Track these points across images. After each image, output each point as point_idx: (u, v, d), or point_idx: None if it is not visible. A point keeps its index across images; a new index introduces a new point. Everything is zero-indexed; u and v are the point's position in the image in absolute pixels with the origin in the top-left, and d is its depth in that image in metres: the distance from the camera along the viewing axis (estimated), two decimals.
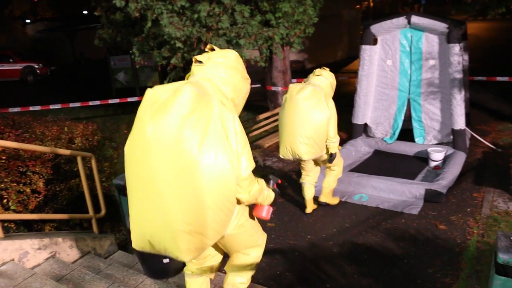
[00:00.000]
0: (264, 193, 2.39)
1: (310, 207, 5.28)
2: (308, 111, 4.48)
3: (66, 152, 4.23)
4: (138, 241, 2.12)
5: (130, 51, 8.76)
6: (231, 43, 7.04)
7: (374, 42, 7.32)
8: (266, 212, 2.52)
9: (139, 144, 2.00)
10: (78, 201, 4.87)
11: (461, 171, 6.17)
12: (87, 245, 4.07)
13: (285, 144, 4.67)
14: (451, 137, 6.89)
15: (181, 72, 8.01)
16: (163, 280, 3.32)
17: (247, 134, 7.53)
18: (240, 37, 6.99)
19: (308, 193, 5.18)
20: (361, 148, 7.37)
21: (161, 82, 11.53)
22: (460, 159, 6.43)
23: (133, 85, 12.44)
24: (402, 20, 6.89)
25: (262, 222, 2.79)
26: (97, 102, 9.73)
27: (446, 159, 6.47)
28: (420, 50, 6.98)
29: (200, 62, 2.24)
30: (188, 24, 6.92)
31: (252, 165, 2.17)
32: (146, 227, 2.05)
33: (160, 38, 7.58)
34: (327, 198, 5.34)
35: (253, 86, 11.16)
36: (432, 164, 6.47)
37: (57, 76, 20.80)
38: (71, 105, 9.52)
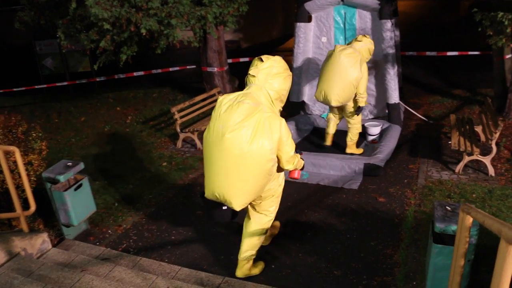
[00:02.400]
0: (300, 162, 3.46)
1: (329, 141, 6.38)
2: (345, 67, 5.31)
3: None
4: (208, 194, 3.22)
5: (57, 35, 8.20)
6: (163, 24, 6.75)
7: (309, 19, 7.30)
8: (297, 174, 3.55)
9: (213, 136, 3.06)
10: (4, 199, 4.53)
11: (397, 144, 6.35)
12: (16, 245, 3.79)
13: (321, 89, 5.54)
14: (386, 111, 7.06)
15: (111, 56, 7.60)
16: (222, 222, 4.16)
17: (183, 117, 7.28)
18: (172, 17, 6.71)
19: (331, 129, 6.28)
20: (299, 125, 7.39)
21: (92, 67, 10.95)
22: (395, 132, 6.61)
23: (62, 71, 11.74)
24: None
25: None
26: (23, 89, 9.06)
27: (382, 133, 6.63)
28: (354, 26, 7.05)
29: (253, 75, 3.17)
30: (116, 4, 6.54)
31: (294, 147, 3.23)
32: (215, 187, 3.14)
33: (87, 20, 7.13)
34: (352, 149, 6.18)
35: (188, 67, 10.84)
36: (369, 138, 6.60)
37: None
38: None
